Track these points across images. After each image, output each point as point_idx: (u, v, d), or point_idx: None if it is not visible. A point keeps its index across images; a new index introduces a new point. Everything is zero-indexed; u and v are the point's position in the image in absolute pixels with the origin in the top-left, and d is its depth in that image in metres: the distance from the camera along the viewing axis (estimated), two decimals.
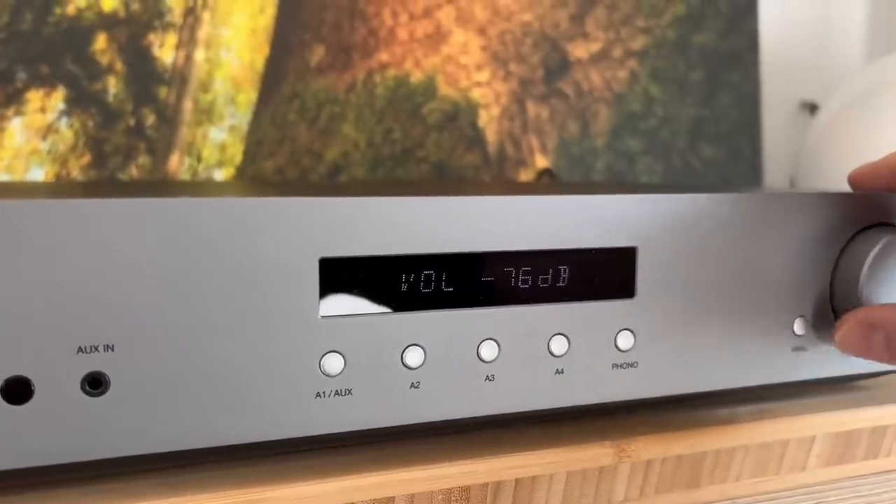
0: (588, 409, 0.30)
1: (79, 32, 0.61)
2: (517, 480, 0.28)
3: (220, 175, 0.66)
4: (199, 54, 0.65)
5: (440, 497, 0.27)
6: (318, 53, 0.69)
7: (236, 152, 0.66)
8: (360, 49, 0.70)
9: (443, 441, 0.29)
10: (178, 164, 0.65)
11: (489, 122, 0.74)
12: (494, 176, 0.74)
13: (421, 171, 0.71)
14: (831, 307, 0.32)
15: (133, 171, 0.63)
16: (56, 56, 0.61)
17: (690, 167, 0.80)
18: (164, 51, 0.64)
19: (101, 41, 0.62)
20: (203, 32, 0.65)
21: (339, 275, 0.25)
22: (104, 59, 0.62)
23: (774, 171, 0.87)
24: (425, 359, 0.27)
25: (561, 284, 0.28)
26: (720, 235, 0.30)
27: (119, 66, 0.63)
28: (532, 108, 0.75)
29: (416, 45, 0.71)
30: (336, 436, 0.26)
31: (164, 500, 0.24)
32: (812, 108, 0.86)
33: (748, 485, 0.33)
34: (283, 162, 0.67)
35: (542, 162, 0.75)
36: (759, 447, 0.32)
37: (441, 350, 0.27)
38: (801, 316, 0.32)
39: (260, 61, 0.67)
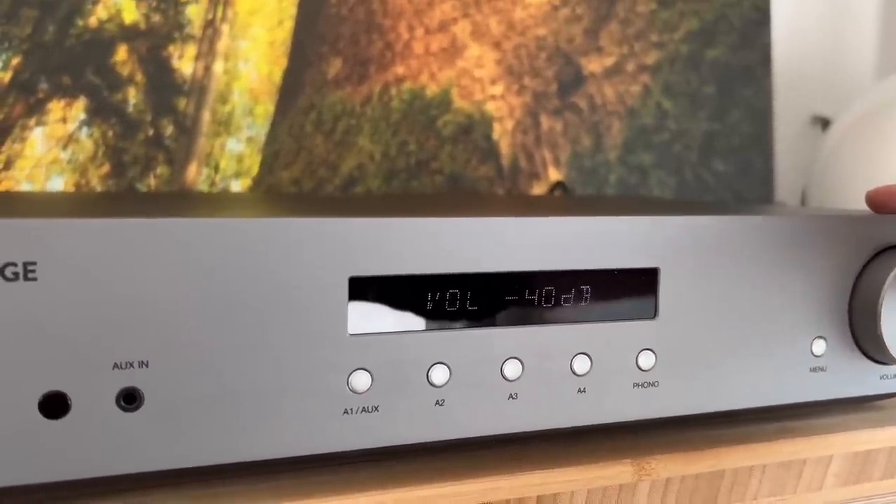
0: (609, 427, 0.30)
1: (100, 44, 0.62)
2: (538, 497, 0.29)
3: (237, 186, 0.67)
4: (218, 66, 0.66)
5: None
6: (335, 66, 0.69)
7: (253, 163, 0.67)
8: (376, 62, 0.70)
9: (466, 458, 0.29)
10: (195, 175, 0.65)
11: (503, 135, 0.74)
12: (507, 189, 0.74)
13: (435, 182, 0.72)
14: (850, 329, 0.33)
15: (151, 181, 0.64)
16: (77, 67, 0.61)
17: (702, 181, 0.81)
18: (184, 62, 0.65)
19: (121, 52, 0.63)
20: (222, 44, 0.66)
21: (367, 293, 0.26)
22: (125, 70, 0.63)
23: (786, 185, 0.87)
24: (450, 376, 0.27)
25: (584, 304, 0.29)
26: (740, 257, 0.31)
27: (139, 76, 0.64)
28: (546, 122, 0.76)
29: (432, 59, 0.72)
30: (362, 452, 0.26)
31: None
32: (824, 122, 0.86)
33: (766, 503, 0.33)
34: (299, 173, 0.68)
35: (555, 175, 0.76)
36: (777, 466, 0.32)
37: (466, 368, 0.27)
38: (820, 336, 0.32)
39: (278, 73, 0.68)
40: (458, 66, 0.73)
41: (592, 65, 0.78)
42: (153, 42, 0.64)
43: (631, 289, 0.29)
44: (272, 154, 0.67)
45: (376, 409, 0.26)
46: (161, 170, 0.64)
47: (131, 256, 0.23)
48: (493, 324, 0.28)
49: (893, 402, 0.37)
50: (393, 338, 0.26)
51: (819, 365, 0.32)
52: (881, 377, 0.34)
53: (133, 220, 0.23)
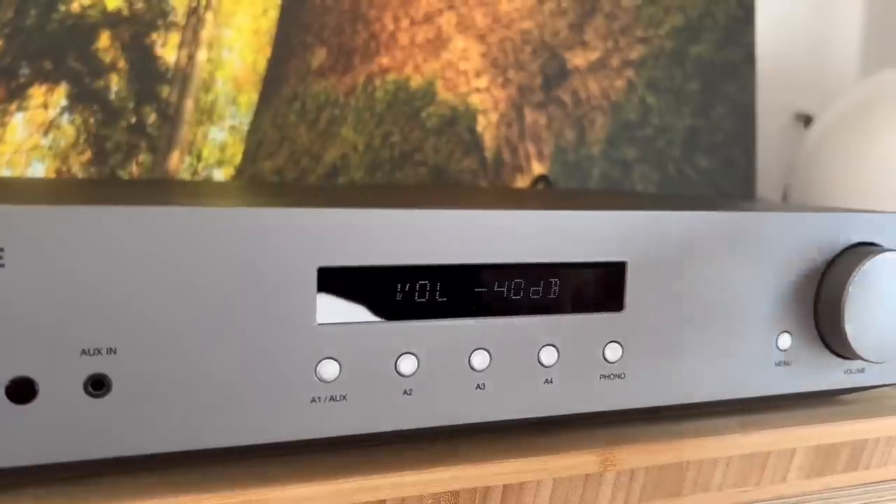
0: (576, 418, 0.30)
1: (82, 30, 0.62)
2: (505, 486, 0.29)
3: (220, 174, 0.67)
4: (202, 54, 0.66)
5: (430, 501, 0.28)
6: (319, 56, 0.69)
7: (236, 152, 0.67)
8: (361, 53, 0.70)
9: (434, 447, 0.29)
10: (178, 163, 0.65)
11: (487, 127, 0.74)
12: (491, 182, 0.75)
13: (419, 174, 0.72)
14: (815, 324, 0.33)
15: (133, 169, 0.64)
16: (59, 53, 0.61)
17: (685, 176, 0.81)
18: (167, 50, 0.65)
19: (104, 39, 0.63)
20: (206, 33, 0.66)
21: (336, 284, 0.26)
22: (107, 57, 0.63)
23: (768, 181, 0.88)
24: (418, 367, 0.27)
25: (551, 297, 0.29)
26: (707, 251, 0.31)
27: (122, 63, 0.63)
28: (530, 115, 0.76)
29: (417, 50, 0.72)
30: (330, 440, 0.27)
31: (163, 500, 0.25)
32: (806, 119, 0.87)
33: (729, 495, 0.33)
34: (282, 163, 0.68)
35: (538, 168, 0.76)
36: (741, 458, 0.33)
37: (434, 358, 0.28)
38: (785, 331, 0.33)
39: (262, 62, 0.68)
40: (443, 58, 0.73)
41: (577, 59, 0.78)
42: (136, 29, 0.64)
43: (598, 282, 0.30)
44: (255, 143, 0.67)
45: (344, 398, 0.26)
46: (143, 157, 0.64)
47: (100, 243, 0.23)
48: (460, 315, 0.28)
49: (857, 396, 0.38)
50: (361, 328, 0.27)
51: (784, 359, 0.33)
52: (845, 372, 0.34)
53: (101, 207, 0.23)
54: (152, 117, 0.64)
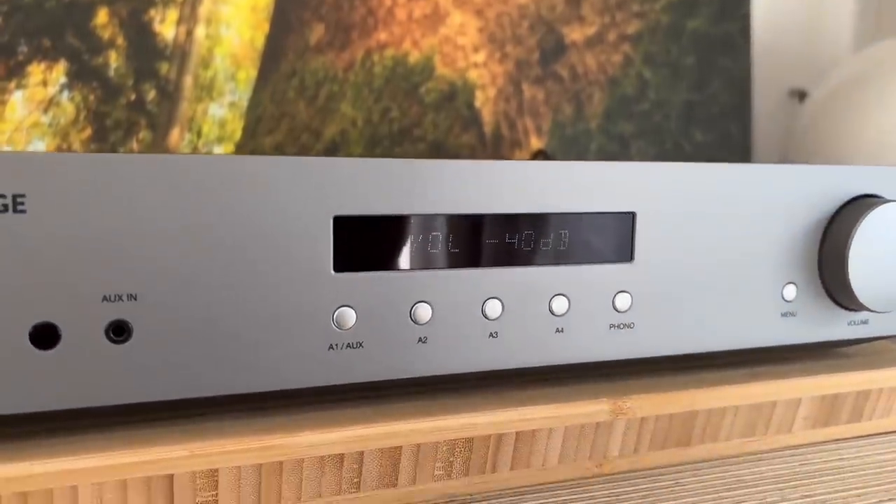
0: (587, 366, 0.31)
1: (80, 7, 0.62)
2: (518, 434, 0.29)
3: (220, 151, 0.67)
4: (200, 31, 0.66)
5: (445, 448, 0.29)
6: (317, 32, 0.69)
7: (236, 128, 0.67)
8: (358, 28, 0.70)
9: (448, 394, 0.30)
10: (178, 139, 0.65)
11: (485, 102, 0.75)
12: (489, 156, 0.75)
13: (418, 150, 0.72)
14: (820, 275, 0.34)
15: (134, 146, 0.64)
16: (58, 30, 0.61)
17: (682, 150, 0.82)
18: (166, 26, 0.65)
19: (102, 16, 0.63)
20: (204, 9, 0.66)
21: (351, 232, 0.26)
22: (105, 34, 0.63)
23: (764, 156, 0.89)
24: (433, 315, 0.28)
25: (562, 247, 0.30)
26: (715, 204, 0.32)
27: (120, 40, 0.63)
28: (528, 90, 0.76)
29: (415, 26, 0.72)
30: (347, 386, 0.27)
31: (183, 446, 0.25)
32: (801, 95, 0.87)
33: (736, 444, 0.34)
34: (281, 138, 0.68)
35: (536, 143, 0.76)
36: (748, 408, 0.34)
37: (448, 307, 0.28)
38: (791, 282, 0.33)
39: (260, 39, 0.68)
40: (441, 33, 0.73)
41: (574, 34, 0.78)
42: (134, 6, 0.64)
43: (608, 232, 0.30)
44: (255, 119, 0.67)
45: (361, 345, 0.27)
46: (143, 134, 0.64)
47: (121, 190, 0.24)
48: (474, 264, 0.28)
49: (861, 348, 0.39)
50: (376, 276, 0.27)
51: (790, 310, 0.33)
52: (849, 323, 0.35)
53: (123, 154, 0.24)
54: (152, 94, 0.64)
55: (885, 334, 0.36)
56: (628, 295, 0.30)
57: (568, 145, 0.77)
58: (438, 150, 0.73)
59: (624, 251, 0.30)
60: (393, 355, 0.27)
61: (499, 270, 0.29)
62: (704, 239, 0.31)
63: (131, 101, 0.64)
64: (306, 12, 0.69)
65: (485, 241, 0.29)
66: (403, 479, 0.28)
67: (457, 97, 0.73)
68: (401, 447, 0.28)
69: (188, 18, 0.65)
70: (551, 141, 0.76)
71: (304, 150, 0.69)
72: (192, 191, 0.24)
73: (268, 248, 0.25)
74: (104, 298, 0.24)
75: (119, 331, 0.24)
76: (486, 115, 0.75)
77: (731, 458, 0.34)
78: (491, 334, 0.29)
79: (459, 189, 0.28)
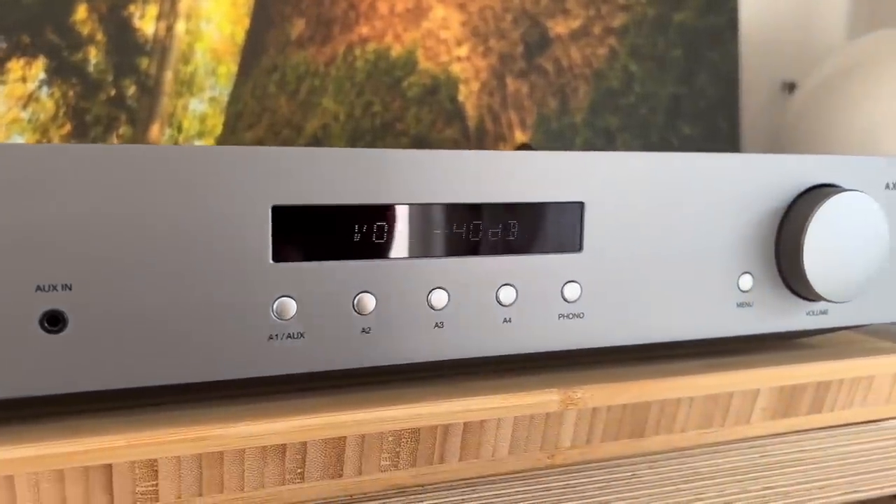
0: (536, 357, 0.31)
1: (59, 2, 0.62)
2: (465, 424, 0.29)
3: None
4: (180, 26, 0.66)
5: (390, 439, 0.28)
6: (298, 26, 0.69)
7: (216, 123, 0.67)
8: (340, 22, 0.70)
9: (394, 385, 0.30)
10: (158, 135, 0.65)
11: (469, 96, 0.74)
12: (474, 150, 0.75)
13: (401, 144, 0.72)
14: (776, 265, 0.34)
15: (114, 141, 0.64)
16: (37, 26, 0.61)
17: (668, 144, 0.81)
18: (145, 22, 0.65)
19: (81, 11, 0.63)
20: (184, 4, 0.66)
21: (291, 222, 0.26)
22: (85, 30, 0.63)
23: (753, 149, 0.88)
24: (377, 305, 0.28)
25: (509, 237, 0.29)
26: (667, 193, 0.31)
27: (100, 36, 0.64)
28: (512, 84, 0.76)
29: (397, 20, 0.72)
30: (290, 377, 0.27)
31: (120, 436, 0.25)
32: (791, 87, 0.87)
33: (693, 436, 0.34)
34: (262, 133, 0.68)
35: (521, 137, 0.76)
36: (704, 399, 0.33)
37: (393, 297, 0.28)
38: (746, 272, 0.33)
39: (240, 33, 0.68)
40: (424, 27, 0.73)
41: (559, 27, 0.78)
42: (113, 1, 0.64)
43: (557, 222, 0.30)
44: (235, 114, 0.67)
45: (302, 335, 0.27)
46: (123, 130, 0.64)
47: (55, 180, 0.24)
48: (420, 254, 0.28)
49: (827, 338, 0.38)
50: (317, 266, 0.27)
51: (746, 300, 0.33)
52: (808, 313, 0.34)
53: (56, 145, 0.24)
54: (132, 89, 0.65)
55: (845, 325, 0.35)
56: (577, 285, 0.30)
57: (553, 139, 0.77)
58: (421, 144, 0.72)
59: (573, 241, 0.30)
60: (335, 346, 0.27)
61: (445, 260, 0.29)
62: (656, 229, 0.31)
63: (111, 97, 0.64)
64: (287, 7, 0.69)
65: (432, 231, 0.28)
66: (349, 469, 0.28)
67: (440, 91, 0.73)
68: (345, 438, 0.28)
69: (168, 14, 0.65)
70: (536, 135, 0.76)
71: (285, 145, 0.69)
72: (129, 180, 0.24)
73: (206, 238, 0.25)
74: (38, 288, 0.24)
75: (54, 321, 0.24)
76: (470, 110, 0.75)
77: (688, 449, 0.34)
78: (437, 324, 0.29)
79: (406, 179, 0.28)
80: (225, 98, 0.67)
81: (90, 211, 0.24)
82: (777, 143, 0.80)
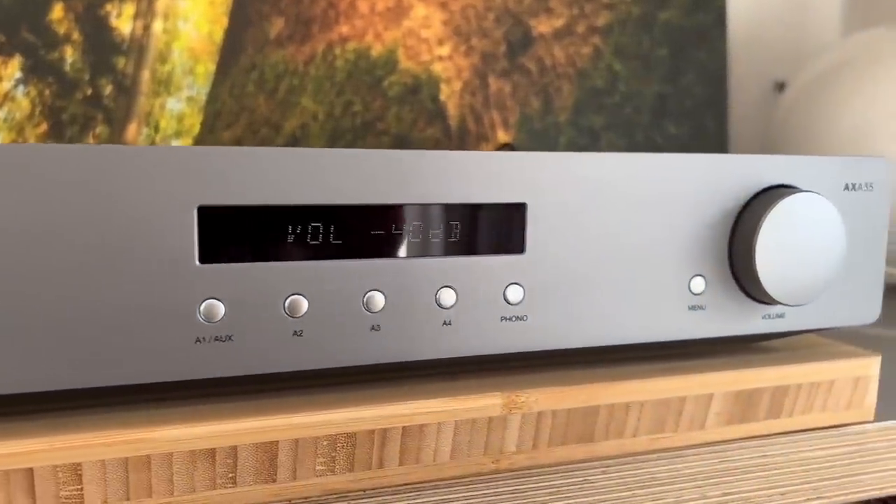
0: (479, 360, 0.30)
1: (35, 1, 0.62)
2: (404, 428, 0.29)
3: (178, 145, 0.67)
4: (158, 25, 0.65)
5: (326, 443, 0.28)
6: (277, 25, 0.69)
7: (194, 123, 0.67)
8: (319, 21, 0.70)
9: (329, 390, 0.29)
10: (135, 134, 0.65)
11: (450, 96, 0.74)
12: (455, 150, 0.74)
13: (381, 143, 0.72)
14: (730, 267, 0.33)
15: (91, 141, 0.64)
16: (12, 25, 0.61)
17: (654, 144, 0.81)
18: (122, 21, 0.64)
19: (57, 10, 0.63)
20: (161, 3, 0.66)
21: (218, 223, 0.26)
22: (61, 29, 0.63)
23: (743, 149, 0.87)
24: (308, 307, 0.27)
25: (451, 239, 0.29)
26: (612, 194, 0.31)
27: (76, 35, 0.63)
28: (494, 83, 0.75)
29: (377, 19, 0.72)
30: (216, 381, 0.27)
31: (42, 439, 0.25)
32: (781, 86, 0.86)
33: (645, 441, 0.33)
34: (241, 133, 0.68)
35: (503, 137, 0.76)
36: (655, 404, 0.33)
37: (326, 300, 0.27)
38: (699, 275, 0.32)
39: (218, 32, 0.67)
40: (405, 26, 0.72)
41: (542, 26, 0.77)
42: (90, 0, 0.63)
43: (498, 223, 0.29)
44: (213, 114, 0.67)
45: (230, 338, 0.26)
46: (100, 129, 0.64)
47: None
48: (356, 256, 0.28)
49: (782, 342, 0.38)
50: (246, 268, 0.26)
51: (698, 303, 0.33)
52: (764, 317, 0.34)
53: None
54: (108, 89, 0.64)
55: (804, 328, 0.35)
56: (520, 287, 0.30)
57: (536, 139, 0.76)
58: (402, 144, 0.72)
59: (516, 243, 0.30)
60: (266, 349, 0.27)
61: (381, 262, 0.28)
62: (602, 230, 0.31)
63: (88, 96, 0.64)
64: (265, 6, 0.68)
65: (368, 232, 0.28)
66: (283, 474, 0.28)
67: (421, 90, 0.73)
68: (277, 442, 0.27)
69: (145, 13, 0.65)
70: (519, 135, 0.76)
71: (263, 144, 0.68)
72: (51, 181, 0.24)
73: (130, 239, 0.25)
74: None
75: None
76: (452, 109, 0.74)
77: (643, 454, 0.34)
78: (373, 327, 0.28)
79: (340, 179, 0.27)
80: (203, 97, 0.67)
81: (13, 210, 0.24)
82: (767, 141, 0.79)
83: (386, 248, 0.28)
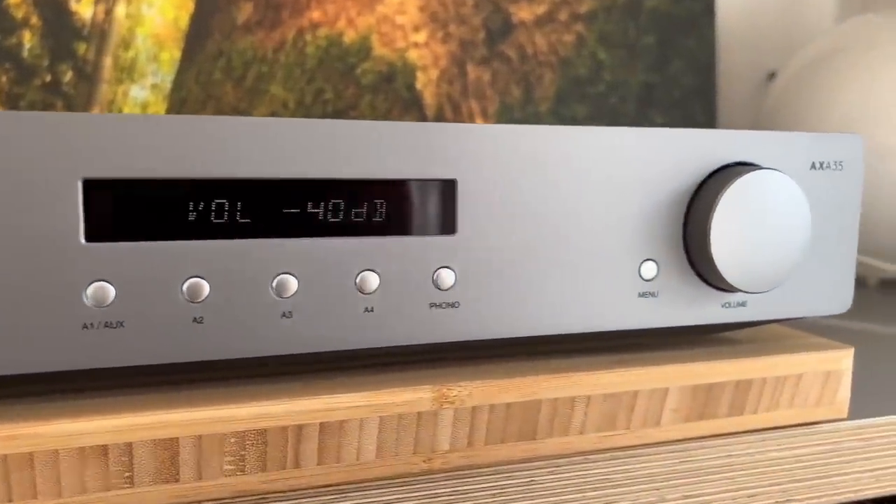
0: (405, 350, 0.28)
1: None
2: (322, 425, 0.27)
3: None
4: (120, 10, 0.63)
5: (233, 440, 0.26)
6: (245, 11, 0.67)
7: (159, 111, 0.65)
8: (289, 7, 0.68)
9: (235, 383, 0.27)
10: None
11: (427, 84, 0.72)
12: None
13: None
14: (685, 251, 0.30)
15: None
16: None
17: None
18: (83, 5, 0.62)
19: None
20: None
21: (106, 198, 0.24)
22: (19, 13, 0.61)
23: None
24: (210, 291, 0.25)
25: (371, 217, 0.27)
26: (556, 171, 0.28)
27: (35, 20, 0.61)
28: (473, 71, 0.73)
29: (350, 4, 0.69)
30: (107, 371, 0.24)
31: None
32: (773, 76, 0.83)
33: (595, 439, 0.31)
34: None
35: None
36: (603, 398, 0.30)
37: (230, 282, 0.25)
38: (650, 259, 0.30)
39: (184, 18, 0.65)
40: (378, 11, 0.70)
41: (522, 12, 0.75)
42: None
43: (426, 201, 0.27)
44: (179, 101, 0.65)
45: (121, 324, 0.24)
46: None
47: None
48: (265, 234, 0.25)
49: (745, 333, 0.35)
50: (139, 247, 0.24)
51: (649, 290, 0.30)
52: (723, 305, 0.31)
53: None
54: (69, 75, 0.62)
55: (768, 318, 0.32)
56: (451, 271, 0.27)
57: None
58: None
59: (446, 223, 0.27)
60: (162, 336, 0.24)
61: (294, 242, 0.26)
62: (542, 209, 0.28)
63: (46, 83, 0.62)
64: None
65: (281, 209, 0.26)
66: (186, 474, 0.25)
67: (396, 79, 0.70)
68: (178, 439, 0.25)
69: None
70: (499, 124, 0.73)
71: None
72: None
73: (5, 215, 0.23)
74: None
75: None
76: (428, 98, 0.72)
77: (594, 453, 0.31)
78: (285, 314, 0.26)
79: (249, 151, 0.25)
80: (168, 85, 0.64)
81: None
82: (757, 128, 0.77)
83: (300, 228, 0.26)
